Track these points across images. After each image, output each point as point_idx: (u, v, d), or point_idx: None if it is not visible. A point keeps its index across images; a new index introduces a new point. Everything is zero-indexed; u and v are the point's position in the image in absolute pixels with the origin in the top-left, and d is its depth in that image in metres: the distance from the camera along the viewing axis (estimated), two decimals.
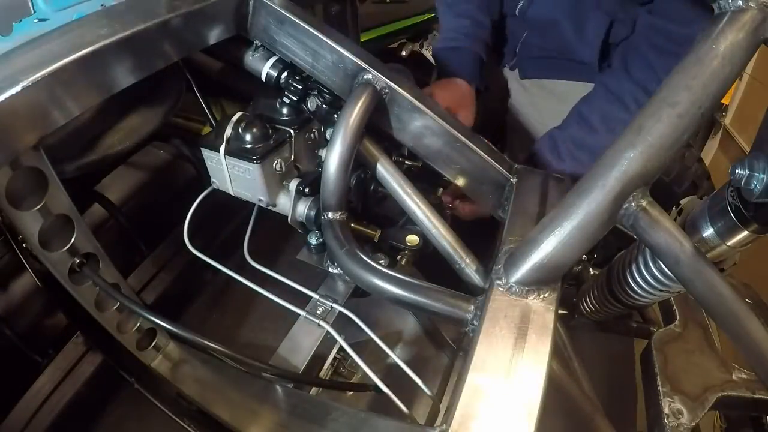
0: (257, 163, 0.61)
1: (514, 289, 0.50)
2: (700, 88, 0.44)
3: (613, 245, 0.68)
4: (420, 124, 0.64)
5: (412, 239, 0.67)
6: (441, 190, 0.82)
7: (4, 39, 0.47)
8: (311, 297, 0.65)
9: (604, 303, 0.65)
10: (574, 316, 0.73)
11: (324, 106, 0.66)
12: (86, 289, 0.55)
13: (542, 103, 1.12)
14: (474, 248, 0.61)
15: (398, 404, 0.54)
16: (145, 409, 0.66)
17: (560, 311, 0.72)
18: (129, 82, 0.51)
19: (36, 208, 0.47)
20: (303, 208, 0.66)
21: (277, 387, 0.58)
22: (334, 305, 0.64)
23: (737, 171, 0.42)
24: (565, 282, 0.60)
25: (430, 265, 0.71)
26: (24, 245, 0.56)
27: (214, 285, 0.89)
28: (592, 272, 0.74)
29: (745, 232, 0.46)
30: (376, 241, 0.69)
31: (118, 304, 0.58)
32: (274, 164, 0.64)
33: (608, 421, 0.65)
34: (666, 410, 0.60)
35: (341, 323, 0.63)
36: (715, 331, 0.71)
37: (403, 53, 1.85)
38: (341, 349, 0.60)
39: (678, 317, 0.71)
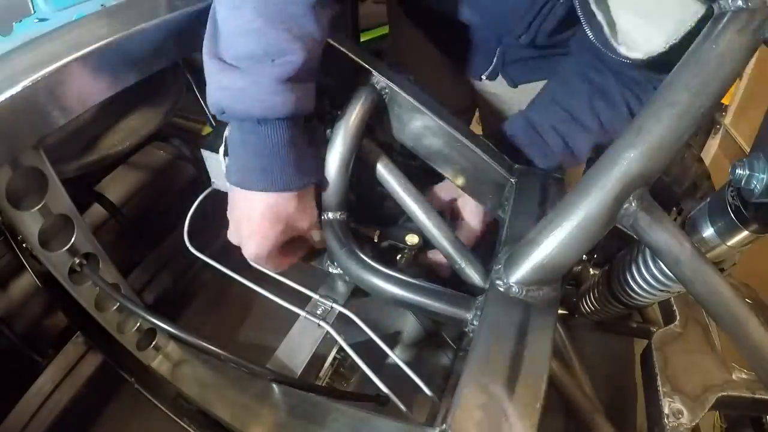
0: None
1: (514, 289, 0.50)
2: (700, 88, 0.44)
3: (613, 245, 0.68)
4: (420, 124, 0.64)
5: (412, 239, 0.67)
6: None
7: (4, 39, 0.47)
8: (311, 297, 0.65)
9: (604, 303, 0.65)
10: (574, 316, 0.73)
11: (324, 106, 0.66)
12: (86, 289, 0.55)
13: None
14: (474, 248, 0.61)
15: (398, 404, 0.54)
16: (145, 409, 0.66)
17: (560, 311, 0.73)
18: (129, 82, 0.51)
19: (36, 208, 0.47)
20: None
21: (277, 387, 0.58)
22: (334, 305, 0.64)
23: (737, 171, 0.42)
24: (565, 282, 0.60)
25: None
26: (24, 245, 0.56)
27: (214, 285, 0.89)
28: (592, 272, 0.74)
29: (745, 232, 0.46)
30: (376, 240, 0.69)
31: (118, 304, 0.58)
32: None
33: (608, 421, 0.65)
34: (666, 410, 0.60)
35: (341, 323, 0.63)
36: (715, 331, 0.71)
37: None
38: (341, 349, 0.60)
39: (678, 317, 0.71)
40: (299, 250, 0.64)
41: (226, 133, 0.55)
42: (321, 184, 0.58)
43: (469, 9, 0.75)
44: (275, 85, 0.47)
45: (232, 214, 0.56)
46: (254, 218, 0.53)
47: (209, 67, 0.48)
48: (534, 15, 0.70)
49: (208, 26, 0.49)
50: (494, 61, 0.87)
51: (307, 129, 0.54)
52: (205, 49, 0.49)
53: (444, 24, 0.81)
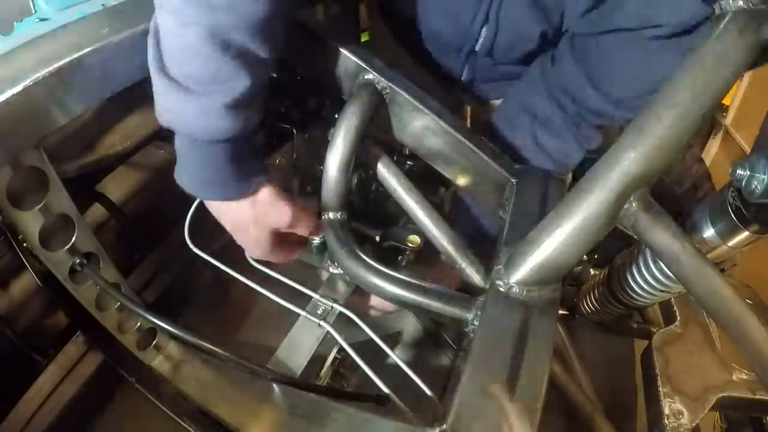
0: None
1: (514, 289, 0.50)
2: (701, 89, 0.44)
3: (613, 245, 0.68)
4: (420, 124, 0.64)
5: (413, 239, 0.67)
6: (442, 189, 0.82)
7: (5, 38, 0.47)
8: (311, 297, 0.65)
9: (604, 303, 0.65)
10: (575, 316, 0.73)
11: (325, 106, 0.66)
12: (87, 289, 0.55)
13: None
14: (474, 248, 0.61)
15: (398, 404, 0.54)
16: (145, 409, 0.66)
17: (560, 311, 0.73)
18: (129, 81, 0.51)
19: (37, 208, 0.47)
20: None
21: (277, 387, 0.58)
22: (335, 305, 0.64)
23: (738, 171, 0.42)
24: (565, 282, 0.60)
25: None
26: (24, 245, 0.56)
27: (215, 285, 0.89)
28: (592, 272, 0.74)
29: (746, 233, 0.46)
30: (377, 241, 0.69)
31: (119, 303, 0.58)
32: (276, 163, 0.64)
33: (608, 422, 0.65)
34: (666, 411, 0.60)
35: (341, 323, 0.63)
36: (716, 332, 0.71)
37: None
38: (341, 349, 0.60)
39: (678, 318, 0.71)
40: (294, 242, 0.64)
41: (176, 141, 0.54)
42: (270, 182, 0.56)
43: (427, 14, 0.74)
44: (221, 110, 0.46)
45: (219, 220, 0.57)
46: (239, 226, 0.56)
47: (156, 83, 0.46)
48: (481, 22, 0.68)
49: (150, 35, 0.46)
50: (464, 76, 0.82)
51: (251, 140, 0.53)
52: (151, 61, 0.46)
53: (415, 35, 0.79)
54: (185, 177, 0.53)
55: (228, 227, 0.57)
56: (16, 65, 0.43)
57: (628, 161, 0.44)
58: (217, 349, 0.52)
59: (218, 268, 0.65)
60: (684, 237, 0.45)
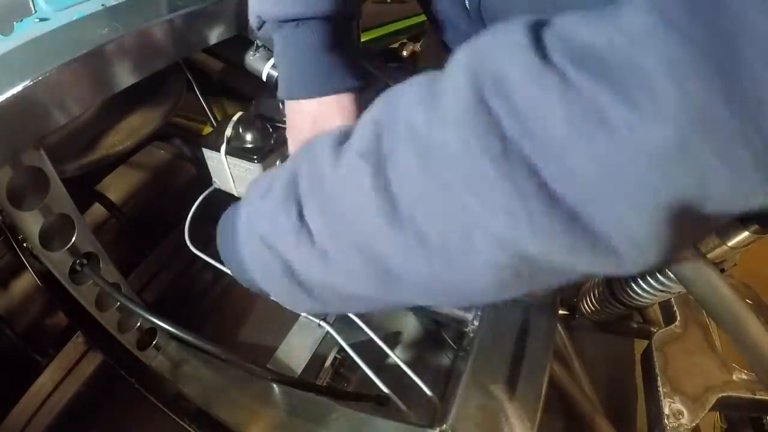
0: (258, 162, 0.61)
1: None
2: None
3: None
4: None
5: None
6: None
7: (5, 38, 0.47)
8: None
9: (604, 303, 0.65)
10: (575, 316, 0.73)
11: None
12: (87, 289, 0.55)
13: None
14: None
15: (398, 404, 0.54)
16: (145, 409, 0.66)
17: (560, 311, 0.73)
18: (129, 82, 0.51)
19: (37, 208, 0.47)
20: None
21: (277, 387, 0.58)
22: None
23: None
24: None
25: None
26: (25, 245, 0.56)
27: (215, 285, 0.89)
28: None
29: (746, 233, 0.46)
30: None
31: (119, 303, 0.58)
32: (276, 164, 0.64)
33: (608, 421, 0.65)
34: (666, 411, 0.60)
35: (341, 323, 0.63)
36: (716, 332, 0.71)
37: (404, 53, 1.85)
38: (341, 349, 0.60)
39: (678, 318, 0.71)
40: None
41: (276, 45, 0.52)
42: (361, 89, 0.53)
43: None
44: None
45: (288, 132, 0.54)
46: (304, 129, 0.51)
47: None
48: None
49: None
50: None
51: (347, 31, 0.51)
52: None
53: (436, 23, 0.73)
54: (281, 81, 0.50)
55: (290, 133, 0.53)
56: (16, 65, 0.44)
57: None
58: (217, 349, 0.52)
59: (219, 268, 0.65)
60: None
